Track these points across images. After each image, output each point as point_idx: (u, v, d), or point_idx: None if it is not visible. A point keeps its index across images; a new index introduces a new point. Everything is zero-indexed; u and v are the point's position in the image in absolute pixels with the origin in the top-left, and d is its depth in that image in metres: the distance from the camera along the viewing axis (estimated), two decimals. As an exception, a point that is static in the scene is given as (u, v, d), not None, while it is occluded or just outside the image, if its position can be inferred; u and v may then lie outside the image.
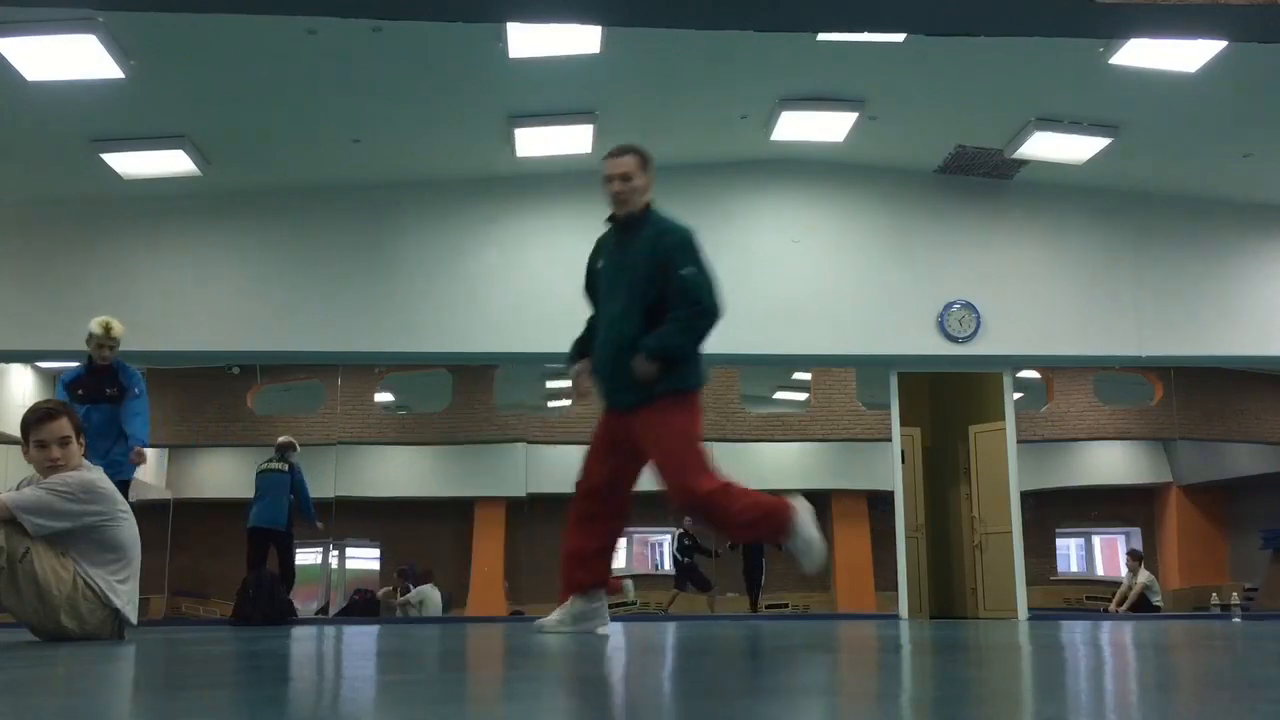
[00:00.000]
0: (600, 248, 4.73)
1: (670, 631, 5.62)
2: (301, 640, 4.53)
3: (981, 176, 11.10)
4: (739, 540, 10.95)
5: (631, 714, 1.67)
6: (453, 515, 15.69)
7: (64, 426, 4.25)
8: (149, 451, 7.59)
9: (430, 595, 12.94)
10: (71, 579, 4.19)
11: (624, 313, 4.46)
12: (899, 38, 8.22)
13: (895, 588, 11.39)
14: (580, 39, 8.34)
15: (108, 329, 7.39)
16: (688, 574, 14.10)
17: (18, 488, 4.36)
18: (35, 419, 4.27)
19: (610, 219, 4.67)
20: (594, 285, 4.74)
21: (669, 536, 13.98)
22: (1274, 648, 3.57)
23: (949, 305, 10.97)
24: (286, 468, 10.74)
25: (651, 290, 4.43)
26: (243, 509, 10.96)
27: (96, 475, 4.34)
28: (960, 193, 11.16)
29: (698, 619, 11.72)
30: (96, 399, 7.33)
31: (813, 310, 10.89)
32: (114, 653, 3.50)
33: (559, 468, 17.08)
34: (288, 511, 10.63)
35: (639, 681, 2.34)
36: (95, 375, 7.43)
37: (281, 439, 11.05)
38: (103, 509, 4.27)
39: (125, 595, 4.35)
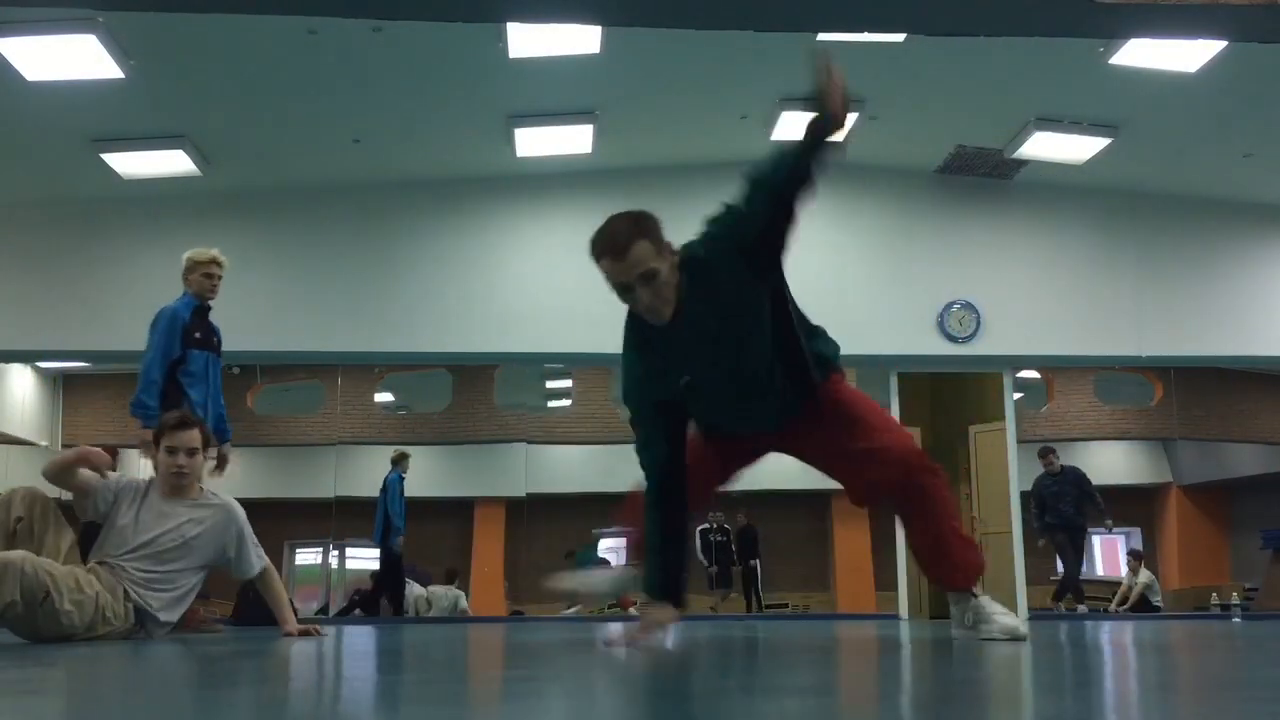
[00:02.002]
0: (646, 343, 3.38)
1: (669, 631, 5.62)
2: (301, 640, 4.54)
3: (981, 176, 11.10)
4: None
5: (631, 714, 1.67)
6: (453, 515, 15.71)
7: (195, 438, 4.41)
8: None
9: (439, 597, 12.98)
10: (94, 604, 4.10)
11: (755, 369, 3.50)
12: (899, 38, 8.22)
13: (895, 588, 11.38)
14: (580, 39, 8.34)
15: (215, 258, 6.26)
16: (723, 572, 14.08)
17: (139, 497, 4.40)
18: (171, 424, 4.41)
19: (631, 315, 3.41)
20: (665, 394, 3.40)
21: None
22: (1274, 648, 3.57)
23: (949, 305, 10.96)
24: (383, 487, 11.45)
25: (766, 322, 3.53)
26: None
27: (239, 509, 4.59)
28: (960, 193, 11.16)
29: (697, 619, 11.71)
30: (213, 347, 6.32)
31: (812, 310, 10.72)
32: (114, 653, 3.50)
33: (559, 468, 17.12)
34: (382, 529, 11.32)
35: (639, 681, 2.34)
36: (205, 318, 6.31)
37: (393, 454, 11.77)
38: None
39: (158, 604, 4.36)
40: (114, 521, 4.37)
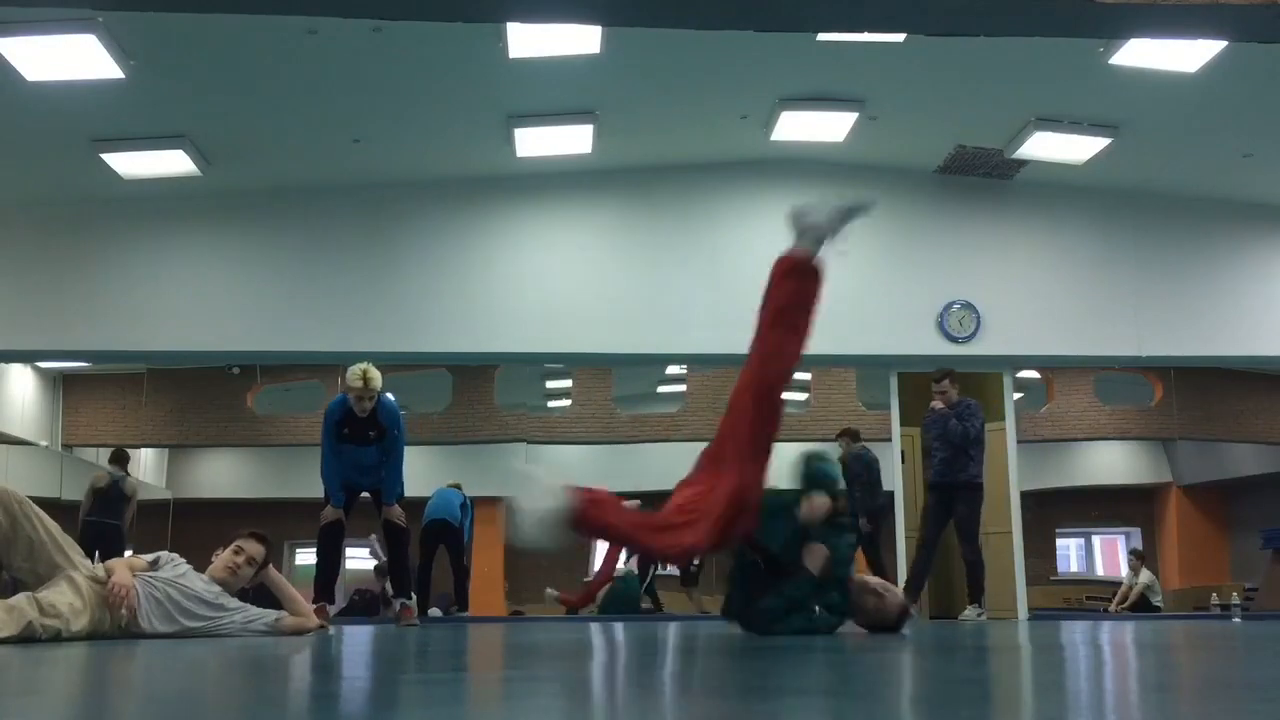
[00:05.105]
0: None
1: (668, 631, 5.62)
2: (300, 640, 4.54)
3: (981, 176, 11.10)
4: None
5: (632, 714, 1.67)
6: (452, 515, 15.66)
7: (261, 554, 5.03)
8: None
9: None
10: (89, 615, 4.33)
11: None
12: (899, 38, 8.21)
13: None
14: (580, 39, 8.33)
15: (366, 380, 7.06)
16: (695, 572, 14.11)
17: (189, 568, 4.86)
18: (248, 534, 5.08)
19: None
20: None
21: None
22: (1274, 648, 3.57)
23: (949, 305, 10.96)
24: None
25: None
26: (244, 509, 11.04)
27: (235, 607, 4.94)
28: (960, 193, 11.16)
29: (695, 619, 11.70)
30: (362, 442, 7.24)
31: (813, 310, 10.86)
32: (112, 654, 3.50)
33: (559, 467, 17.08)
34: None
35: (639, 681, 2.34)
36: (358, 418, 7.21)
37: None
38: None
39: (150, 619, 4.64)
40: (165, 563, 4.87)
